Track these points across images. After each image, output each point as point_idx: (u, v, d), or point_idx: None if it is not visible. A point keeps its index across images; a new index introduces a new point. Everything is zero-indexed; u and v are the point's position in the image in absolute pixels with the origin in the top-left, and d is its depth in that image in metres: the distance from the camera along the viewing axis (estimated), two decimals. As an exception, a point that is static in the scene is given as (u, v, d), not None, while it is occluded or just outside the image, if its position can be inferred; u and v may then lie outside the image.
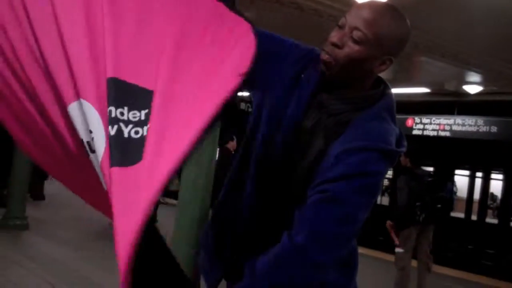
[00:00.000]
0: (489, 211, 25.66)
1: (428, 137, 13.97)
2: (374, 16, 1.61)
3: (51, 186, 14.78)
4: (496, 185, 24.41)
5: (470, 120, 12.88)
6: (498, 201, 25.58)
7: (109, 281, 6.83)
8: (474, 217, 21.91)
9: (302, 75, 1.72)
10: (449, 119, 13.32)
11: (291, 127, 1.68)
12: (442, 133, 13.40)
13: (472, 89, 12.32)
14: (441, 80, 12.46)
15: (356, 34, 1.60)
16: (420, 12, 7.83)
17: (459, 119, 13.15)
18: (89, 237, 9.78)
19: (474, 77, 11.59)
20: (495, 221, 22.39)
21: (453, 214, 21.52)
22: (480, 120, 12.74)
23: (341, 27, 1.64)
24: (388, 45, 1.63)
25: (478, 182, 23.01)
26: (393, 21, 1.62)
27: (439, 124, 13.44)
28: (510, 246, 17.17)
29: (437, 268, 10.71)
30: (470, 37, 9.03)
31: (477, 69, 10.59)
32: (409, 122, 13.97)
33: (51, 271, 6.86)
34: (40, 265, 7.17)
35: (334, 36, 1.63)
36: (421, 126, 13.76)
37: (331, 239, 1.54)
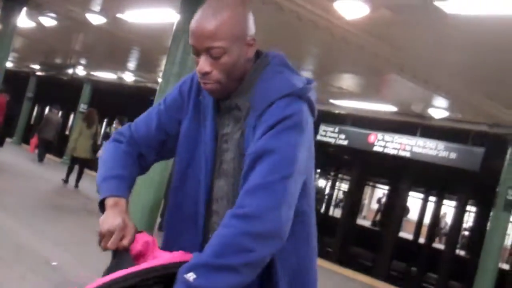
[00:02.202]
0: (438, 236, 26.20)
1: (387, 155, 14.11)
2: (209, 26, 1.67)
3: (3, 154, 14.59)
4: (448, 211, 24.84)
5: (431, 144, 13.05)
6: (447, 227, 26.06)
7: (53, 252, 6.77)
8: (422, 240, 22.28)
9: (200, 97, 1.85)
10: (410, 139, 13.48)
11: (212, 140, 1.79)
12: (402, 153, 13.54)
13: (438, 113, 12.49)
14: (409, 101, 12.61)
15: (213, 52, 1.68)
16: (396, 31, 7.90)
17: (420, 141, 13.30)
18: (36, 207, 9.65)
19: (441, 102, 11.75)
20: (441, 246, 22.83)
21: (402, 234, 21.91)
22: (440, 145, 12.92)
23: (199, 55, 1.71)
24: (240, 32, 1.72)
25: (430, 206, 23.41)
26: (220, 13, 1.69)
27: (400, 143, 13.58)
28: (455, 273, 17.49)
29: (382, 285, 10.88)
30: (443, 63, 9.14)
31: (445, 95, 10.72)
32: (372, 138, 14.08)
33: (-7, 238, 6.75)
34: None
35: (202, 67, 1.70)
36: (382, 143, 13.88)
37: (278, 188, 1.56)
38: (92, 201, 13.35)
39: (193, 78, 1.90)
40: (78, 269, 6.33)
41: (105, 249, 1.65)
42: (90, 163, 14.05)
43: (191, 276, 1.49)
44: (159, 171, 6.99)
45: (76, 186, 13.65)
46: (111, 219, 1.66)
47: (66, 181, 13.77)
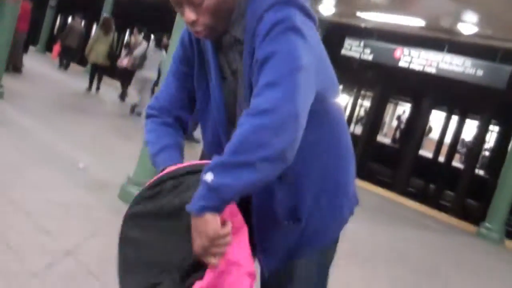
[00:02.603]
0: (457, 156, 26.22)
1: (412, 71, 13.93)
2: None
3: (28, 61, 14.64)
4: (470, 130, 24.75)
5: (458, 60, 12.83)
6: (468, 147, 26.03)
7: (73, 152, 6.90)
8: (441, 159, 22.33)
9: (201, 44, 1.87)
10: (437, 55, 13.24)
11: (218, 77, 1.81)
12: (428, 69, 13.34)
13: (467, 29, 12.19)
14: (437, 15, 12.29)
15: (195, 0, 1.68)
16: None
17: (447, 57, 13.07)
18: (60, 112, 9.76)
19: (471, 17, 11.45)
20: (461, 165, 22.86)
21: (422, 152, 21.96)
22: (468, 61, 12.70)
23: (181, 7, 1.72)
24: None
25: (453, 124, 23.30)
26: None
27: (426, 59, 13.36)
28: (473, 192, 17.57)
29: (402, 200, 11.02)
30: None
31: (476, 9, 10.44)
32: (398, 53, 13.87)
33: (19, 138, 6.86)
34: (9, 131, 7.15)
35: (188, 17, 1.71)
36: (408, 59, 13.67)
37: (288, 79, 1.53)
38: (114, 105, 13.48)
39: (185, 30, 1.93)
40: (104, 170, 6.46)
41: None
42: (108, 70, 14.32)
43: (209, 177, 1.50)
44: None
45: (97, 90, 14.18)
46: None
47: (89, 88, 14.02)
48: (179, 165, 1.75)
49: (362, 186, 10.76)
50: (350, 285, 4.98)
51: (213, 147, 1.87)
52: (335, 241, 1.93)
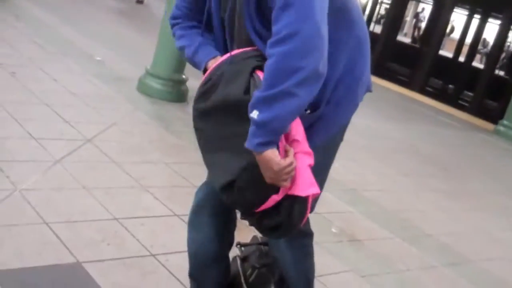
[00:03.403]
0: (478, 56, 25.81)
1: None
2: None
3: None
4: (492, 29, 24.21)
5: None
6: (489, 48, 25.56)
7: (90, 45, 6.88)
8: (461, 59, 22.02)
9: None
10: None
11: None
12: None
13: None
14: None
15: None
16: None
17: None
18: (78, 9, 9.67)
19: None
20: (481, 66, 22.52)
21: (442, 52, 21.63)
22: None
23: None
24: None
25: (474, 24, 22.79)
26: None
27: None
28: (492, 92, 17.39)
29: (421, 98, 10.98)
30: None
31: None
32: None
33: (38, 33, 6.85)
34: (28, 26, 7.13)
35: None
36: (432, -47, 13.20)
37: (304, 2, 1.52)
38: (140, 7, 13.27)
39: None
40: (121, 63, 6.46)
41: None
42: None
43: (255, 114, 1.55)
44: None
45: None
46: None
47: None
48: (221, 58, 1.76)
49: (382, 84, 10.71)
50: (365, 176, 5.05)
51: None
52: (345, 125, 1.97)
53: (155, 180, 3.59)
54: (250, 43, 1.71)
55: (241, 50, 1.72)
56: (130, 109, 4.92)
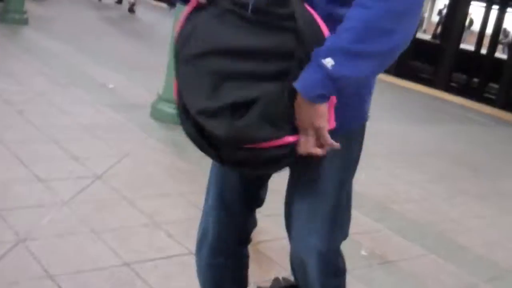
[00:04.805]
0: (500, 46, 25.36)
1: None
2: None
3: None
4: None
5: None
6: (510, 37, 25.13)
7: (101, 72, 6.75)
8: (483, 51, 21.63)
9: None
10: None
11: None
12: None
13: None
14: None
15: None
16: None
17: None
18: (87, 35, 9.58)
19: None
20: (504, 56, 22.09)
21: (463, 46, 21.25)
22: None
23: None
24: None
25: (493, 14, 22.39)
26: None
27: None
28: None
29: (445, 95, 10.69)
30: None
31: None
32: None
33: (47, 64, 6.75)
34: (38, 58, 7.04)
35: None
36: None
37: None
38: (143, 24, 13.20)
39: None
40: (134, 90, 6.31)
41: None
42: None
43: (329, 62, 1.34)
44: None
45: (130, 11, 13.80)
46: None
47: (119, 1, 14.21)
48: None
49: (404, 86, 10.47)
50: (393, 186, 4.82)
51: None
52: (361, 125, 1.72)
53: (170, 215, 3.40)
54: None
55: None
56: (143, 137, 4.75)
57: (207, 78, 1.44)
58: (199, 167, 4.16)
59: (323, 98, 1.39)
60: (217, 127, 1.42)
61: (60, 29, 9.57)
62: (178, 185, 3.89)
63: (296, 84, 1.38)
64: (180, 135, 5.08)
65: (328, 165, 1.62)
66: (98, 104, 5.48)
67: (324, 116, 1.41)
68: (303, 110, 1.41)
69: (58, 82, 6.04)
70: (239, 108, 1.40)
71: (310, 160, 1.51)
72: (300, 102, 1.40)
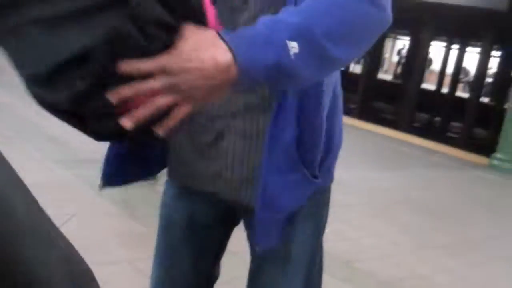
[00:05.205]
0: (460, 85, 25.73)
1: (408, 3, 13.34)
2: None
3: None
4: (472, 57, 24.19)
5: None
6: (471, 75, 25.53)
7: (58, 129, 6.44)
8: (445, 90, 21.91)
9: None
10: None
11: None
12: (424, -2, 12.76)
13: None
14: None
15: None
16: None
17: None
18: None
19: None
20: (465, 95, 22.37)
21: (424, 85, 21.47)
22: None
23: None
24: None
25: (453, 54, 22.75)
26: None
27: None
28: (480, 121, 17.16)
29: (407, 137, 10.61)
30: None
31: None
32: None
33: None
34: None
35: None
36: (403, -11, 13.05)
37: None
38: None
39: None
40: (86, 143, 6.01)
41: None
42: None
43: (293, 48, 0.99)
44: None
45: None
46: None
47: None
48: None
49: (366, 128, 10.37)
50: (360, 241, 4.61)
51: None
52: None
53: (117, 285, 3.12)
54: None
55: None
56: (92, 196, 4.46)
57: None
58: (151, 228, 3.90)
59: (253, 86, 1.10)
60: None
61: (6, 79, 9.25)
62: (128, 251, 3.62)
63: (238, 49, 0.97)
64: (132, 193, 4.80)
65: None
66: (46, 160, 5.20)
67: (220, 98, 1.01)
68: (211, 73, 0.94)
69: (5, 135, 5.73)
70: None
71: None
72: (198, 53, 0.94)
